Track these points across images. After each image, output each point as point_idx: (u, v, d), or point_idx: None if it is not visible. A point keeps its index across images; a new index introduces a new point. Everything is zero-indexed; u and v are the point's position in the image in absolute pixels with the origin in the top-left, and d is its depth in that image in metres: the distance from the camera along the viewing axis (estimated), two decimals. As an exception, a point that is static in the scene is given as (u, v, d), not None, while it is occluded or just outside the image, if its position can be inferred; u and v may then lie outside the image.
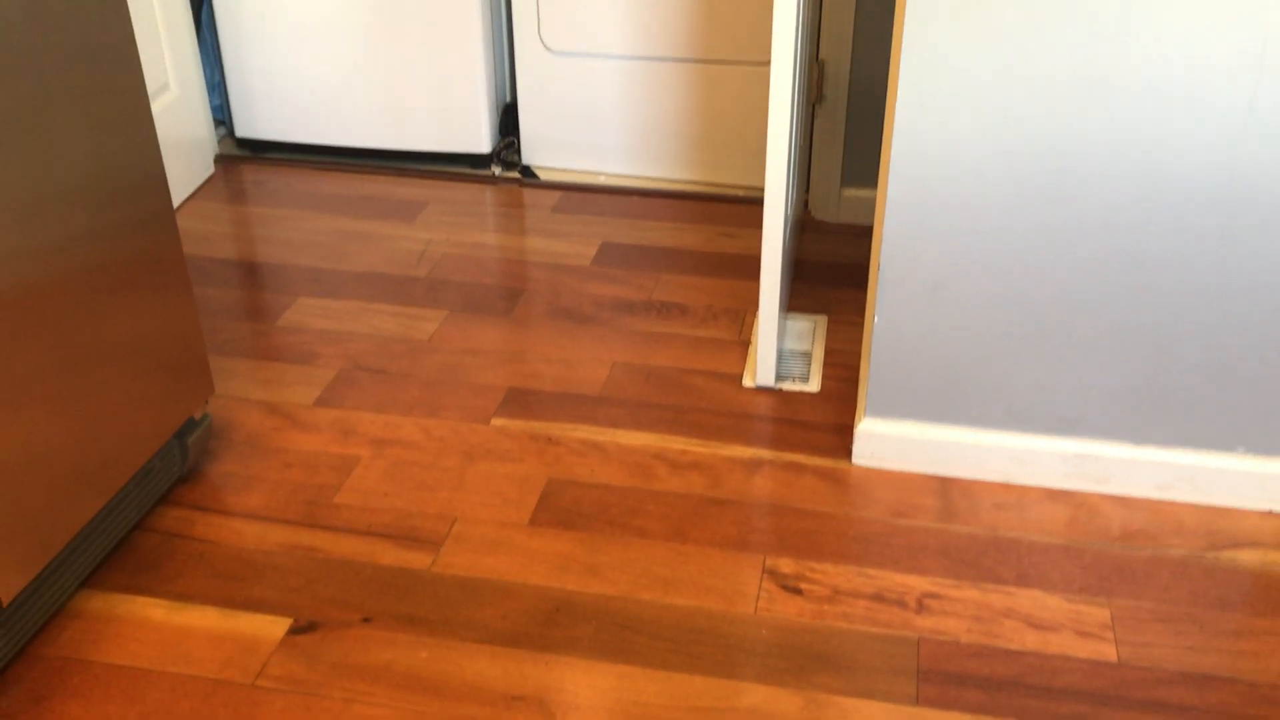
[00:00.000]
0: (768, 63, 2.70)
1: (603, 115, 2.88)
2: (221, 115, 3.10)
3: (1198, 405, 1.81)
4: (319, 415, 2.10)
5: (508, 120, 3.02)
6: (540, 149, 2.96)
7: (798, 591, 1.71)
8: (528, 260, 2.62)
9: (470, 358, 2.26)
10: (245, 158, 3.06)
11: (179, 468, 1.90)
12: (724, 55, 2.75)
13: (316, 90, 2.93)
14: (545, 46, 2.82)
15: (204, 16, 2.98)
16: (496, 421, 2.08)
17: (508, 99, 3.03)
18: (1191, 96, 1.59)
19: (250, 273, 2.57)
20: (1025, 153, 1.65)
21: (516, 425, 2.07)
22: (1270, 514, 1.85)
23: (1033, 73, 1.60)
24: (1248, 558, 1.77)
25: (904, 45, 1.61)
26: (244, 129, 3.03)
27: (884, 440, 1.92)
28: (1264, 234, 1.66)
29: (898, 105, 1.65)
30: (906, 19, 1.60)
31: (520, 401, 2.13)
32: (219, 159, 3.04)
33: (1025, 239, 1.72)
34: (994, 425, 1.88)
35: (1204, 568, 1.75)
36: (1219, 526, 1.83)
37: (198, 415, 1.93)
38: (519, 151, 3.00)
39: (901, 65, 1.62)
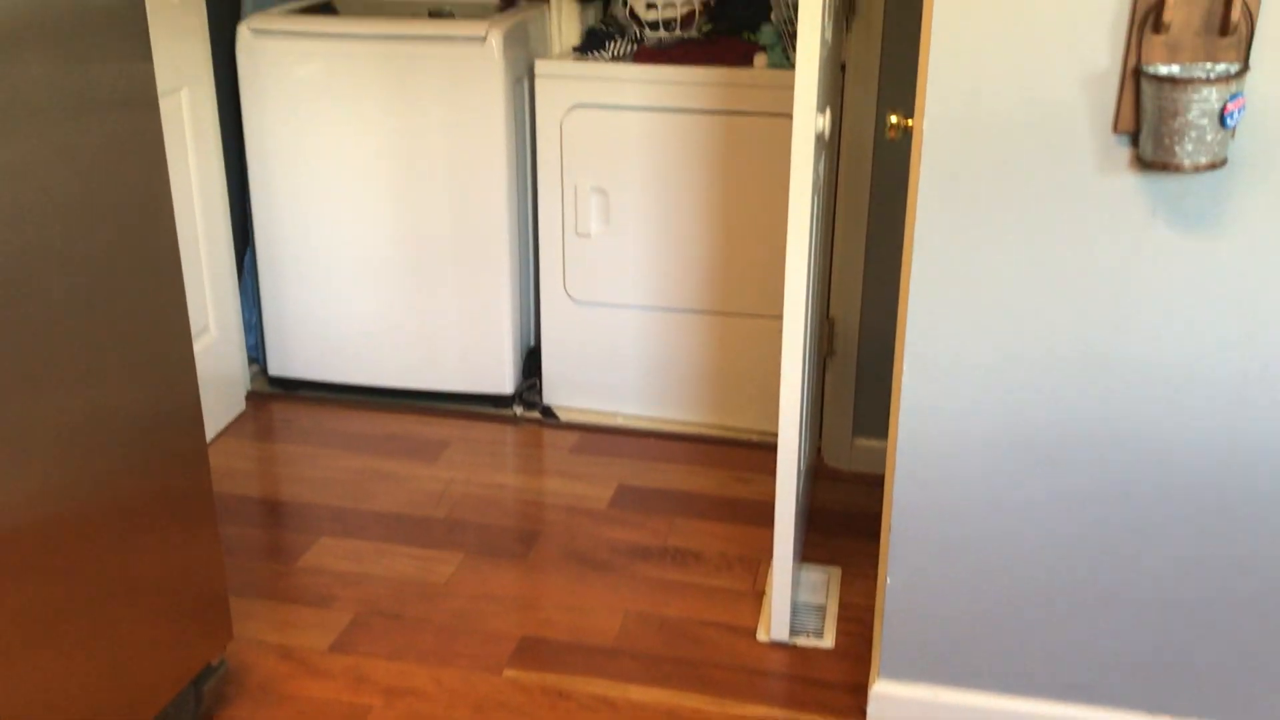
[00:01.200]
0: (780, 316, 2.82)
1: (622, 360, 2.98)
2: (255, 354, 3.22)
3: (1210, 676, 1.80)
4: (333, 661, 2.10)
5: (530, 362, 3.14)
6: (561, 390, 3.06)
7: None
8: (545, 502, 2.67)
9: (485, 603, 2.28)
10: (276, 395, 3.17)
11: (192, 715, 1.90)
12: (738, 308, 2.87)
13: (349, 332, 3.06)
14: (569, 296, 2.96)
15: (246, 261, 3.14)
16: (509, 673, 2.08)
17: (531, 343, 3.16)
18: (1186, 374, 1.66)
19: (274, 511, 2.62)
20: (1028, 425, 1.72)
21: (529, 677, 2.07)
22: (1294, 790, 1.81)
23: (1032, 351, 1.68)
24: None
25: (908, 325, 1.70)
26: (277, 368, 3.15)
27: (899, 703, 1.91)
28: (1263, 505, 1.70)
29: (904, 384, 1.73)
30: (910, 303, 1.70)
31: (533, 651, 2.14)
32: (250, 396, 3.15)
33: (1030, 506, 1.77)
34: (1008, 690, 1.87)
35: None
36: (1242, 802, 1.79)
37: (215, 661, 1.95)
38: (540, 392, 3.09)
39: (906, 345, 1.71)
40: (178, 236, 1.73)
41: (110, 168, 1.59)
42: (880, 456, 2.78)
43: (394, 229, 2.95)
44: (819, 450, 2.84)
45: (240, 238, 3.11)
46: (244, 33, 2.86)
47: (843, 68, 2.53)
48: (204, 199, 2.83)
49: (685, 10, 2.89)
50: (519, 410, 3.09)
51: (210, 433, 2.92)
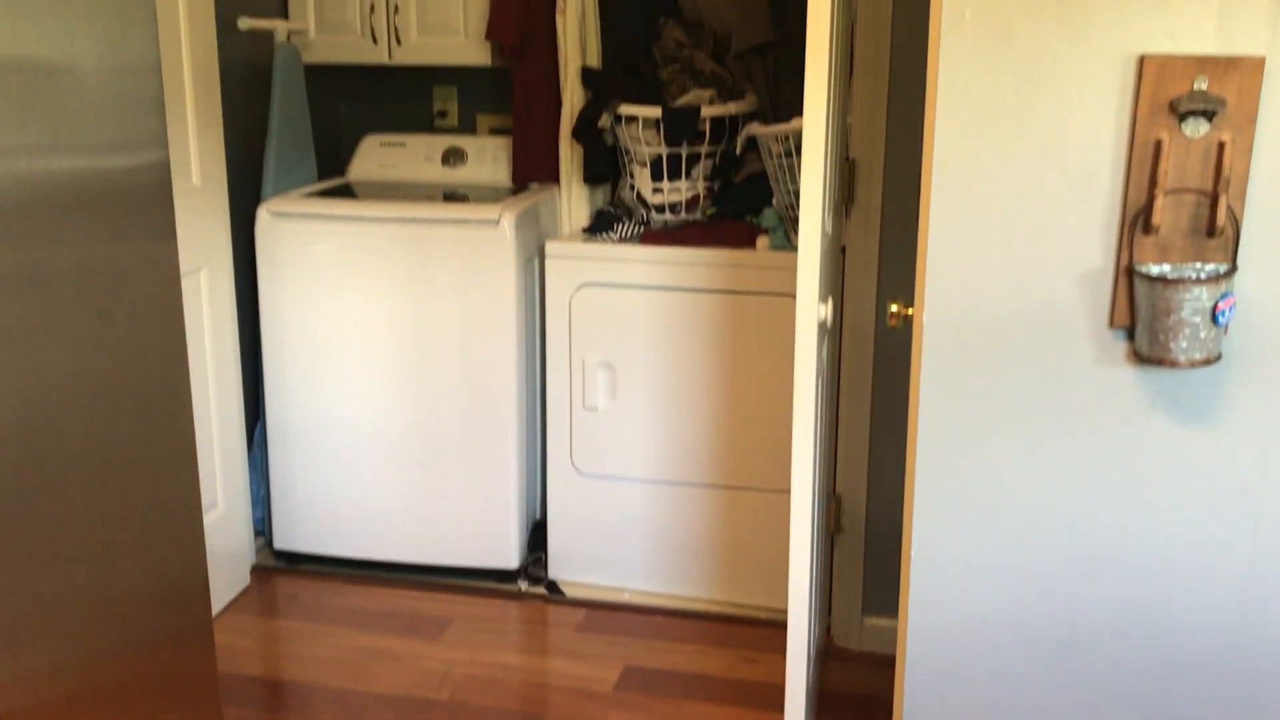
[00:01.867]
0: (786, 490, 2.82)
1: (629, 534, 2.98)
2: (262, 527, 3.22)
3: None
4: None
5: (536, 536, 3.13)
6: (567, 564, 3.04)
7: None
8: (550, 684, 2.62)
9: (488, 793, 2.22)
10: (281, 569, 3.16)
11: None
12: (744, 482, 2.88)
13: (355, 506, 3.07)
14: (576, 469, 2.97)
15: (256, 434, 3.18)
16: None
17: (537, 516, 3.16)
18: (1194, 566, 1.66)
19: (275, 693, 2.58)
20: (1039, 618, 1.71)
21: None
22: None
23: (1039, 546, 1.69)
24: None
25: (914, 521, 1.71)
26: (282, 541, 3.15)
27: None
28: (1270, 689, 1.68)
29: (912, 579, 1.73)
30: (916, 499, 1.71)
31: (537, 845, 2.07)
32: (255, 569, 3.13)
33: (1044, 696, 1.74)
34: None
35: None
36: None
37: None
38: (545, 566, 3.08)
39: (914, 542, 1.71)
40: (194, 417, 1.77)
41: (133, 348, 1.64)
42: (890, 636, 2.75)
43: (403, 404, 2.99)
44: (828, 629, 2.81)
45: (251, 411, 3.15)
46: (264, 215, 2.96)
47: (843, 250, 2.60)
48: (218, 376, 2.88)
49: (690, 194, 2.99)
50: (524, 585, 3.07)
51: (215, 608, 2.90)
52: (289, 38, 3.11)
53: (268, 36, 3.09)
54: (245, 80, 3.03)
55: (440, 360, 2.95)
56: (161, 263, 1.69)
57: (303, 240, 2.95)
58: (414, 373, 2.97)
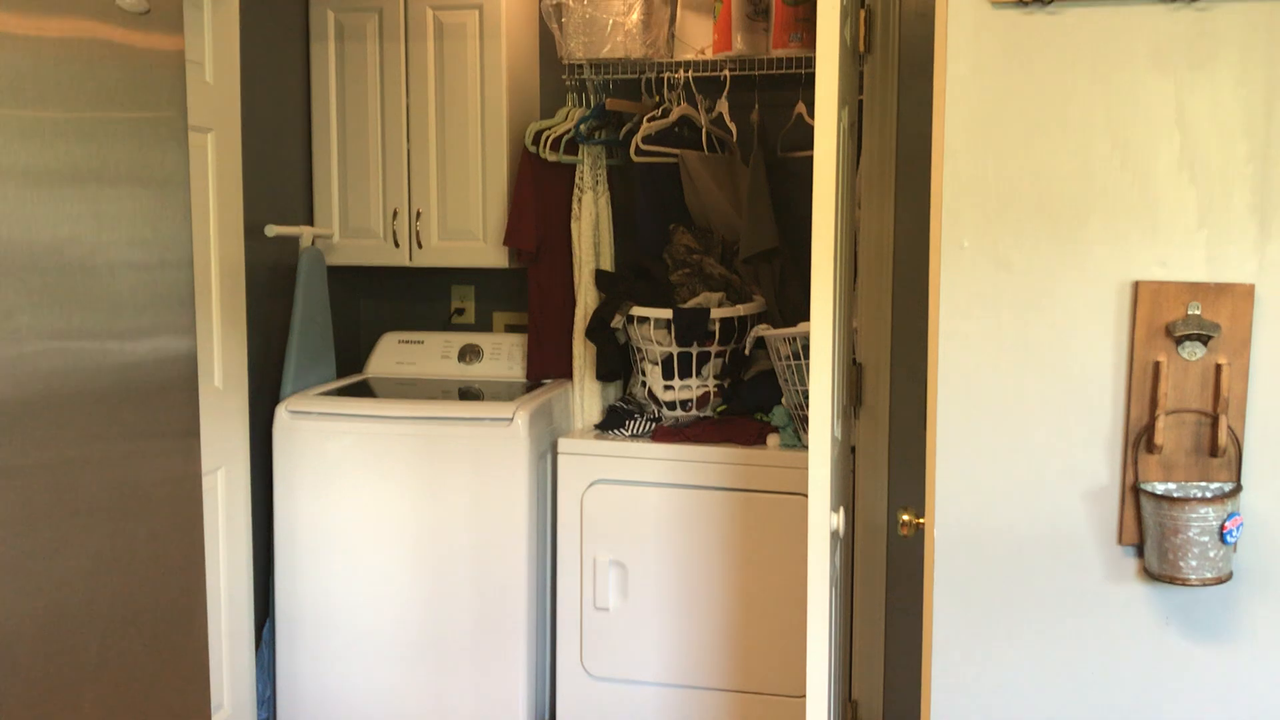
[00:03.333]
0: (801, 695, 2.78)
1: (640, 738, 2.92)
2: (267, 728, 3.16)
3: None
4: None
5: (546, 739, 3.07)
6: (577, 769, 2.97)
7: None
8: None
9: None
10: (283, 772, 3.08)
11: None
12: (759, 687, 2.84)
13: (362, 708, 3.02)
14: (586, 671, 2.94)
15: (265, 632, 3.15)
16: None
17: (546, 717, 3.10)
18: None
19: None
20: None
21: None
22: None
23: (1059, 760, 1.66)
24: None
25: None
26: (287, 743, 3.08)
27: None
28: None
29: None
30: (933, 709, 1.69)
31: None
32: (257, 773, 3.06)
33: None
34: None
35: None
36: None
37: None
38: (555, 771, 3.00)
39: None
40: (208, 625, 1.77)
41: (152, 559, 1.65)
42: None
43: (413, 603, 2.98)
44: (846, 840, 2.72)
45: (260, 608, 3.14)
46: (282, 414, 3.02)
47: (853, 450, 2.64)
48: (230, 575, 2.88)
49: (701, 391, 3.05)
50: (533, 791, 2.99)
51: (213, 816, 2.82)
52: (314, 242, 3.24)
53: (293, 240, 3.21)
54: (269, 280, 3.14)
55: (451, 558, 2.95)
56: (185, 472, 1.73)
57: (319, 438, 2.99)
58: (425, 571, 2.97)
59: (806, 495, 1.92)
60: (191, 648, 1.74)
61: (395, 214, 3.30)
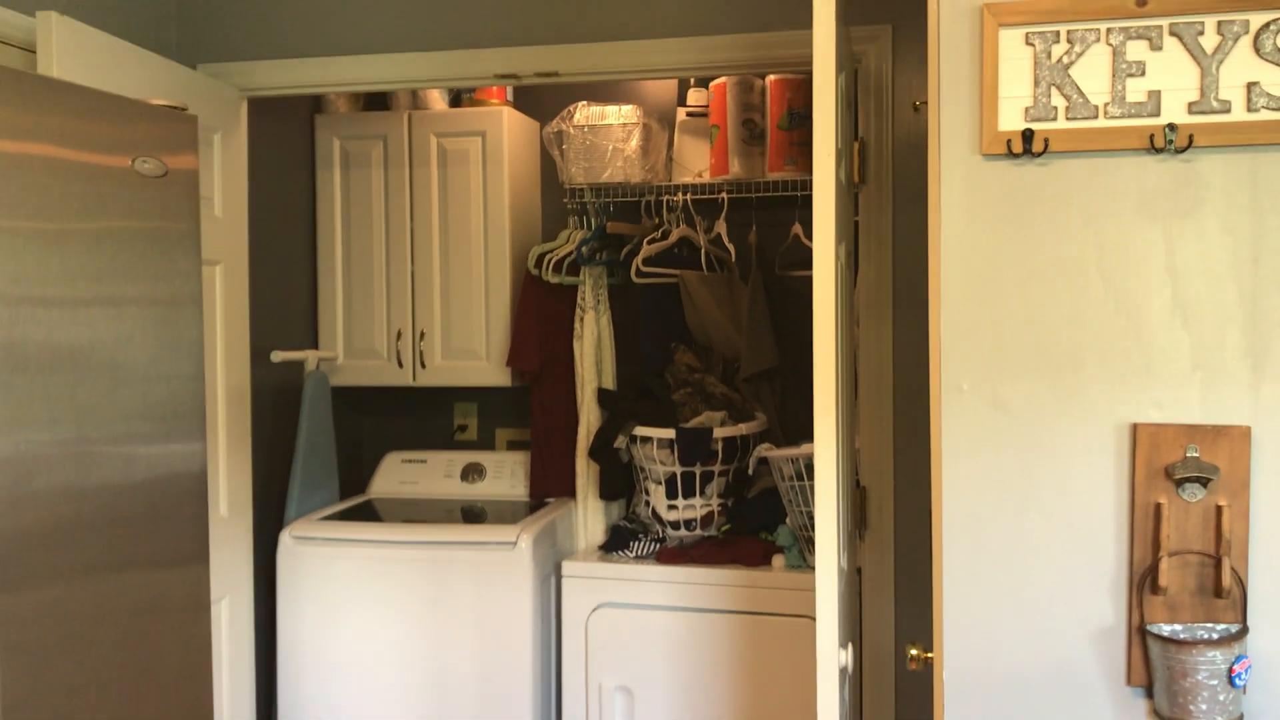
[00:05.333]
0: (813, 822, 2.73)
1: None
2: None
3: None
4: None
5: None
6: None
7: None
8: None
9: None
10: None
11: None
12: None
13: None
14: (593, 798, 2.89)
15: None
16: None
17: (553, 843, 3.04)
18: None
19: None
20: None
21: None
22: None
23: None
24: None
25: None
26: None
27: None
28: None
29: None
30: None
31: None
32: None
33: None
34: None
35: None
36: None
37: None
38: None
39: None
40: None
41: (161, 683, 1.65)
42: None
43: (418, 730, 2.94)
44: None
45: (263, 736, 3.10)
46: (286, 540, 3.02)
47: (859, 571, 2.63)
48: (232, 706, 2.85)
49: (704, 510, 3.05)
50: None
51: None
52: (318, 365, 3.27)
53: (299, 363, 3.24)
54: (274, 403, 3.16)
55: (455, 684, 2.92)
56: (195, 624, 1.73)
57: (323, 563, 2.98)
58: (428, 696, 2.94)
59: (814, 618, 1.91)
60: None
61: (399, 335, 3.34)
